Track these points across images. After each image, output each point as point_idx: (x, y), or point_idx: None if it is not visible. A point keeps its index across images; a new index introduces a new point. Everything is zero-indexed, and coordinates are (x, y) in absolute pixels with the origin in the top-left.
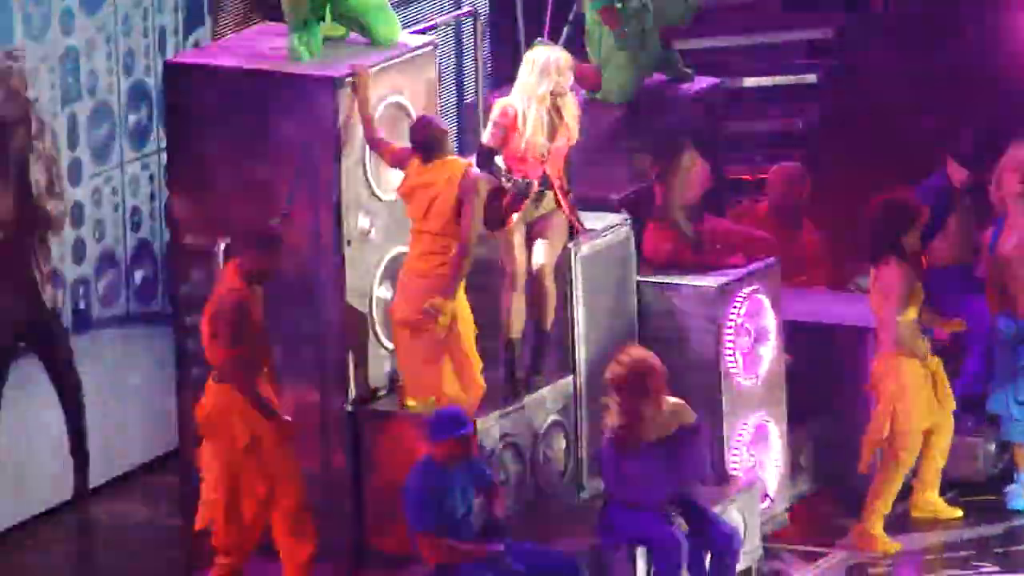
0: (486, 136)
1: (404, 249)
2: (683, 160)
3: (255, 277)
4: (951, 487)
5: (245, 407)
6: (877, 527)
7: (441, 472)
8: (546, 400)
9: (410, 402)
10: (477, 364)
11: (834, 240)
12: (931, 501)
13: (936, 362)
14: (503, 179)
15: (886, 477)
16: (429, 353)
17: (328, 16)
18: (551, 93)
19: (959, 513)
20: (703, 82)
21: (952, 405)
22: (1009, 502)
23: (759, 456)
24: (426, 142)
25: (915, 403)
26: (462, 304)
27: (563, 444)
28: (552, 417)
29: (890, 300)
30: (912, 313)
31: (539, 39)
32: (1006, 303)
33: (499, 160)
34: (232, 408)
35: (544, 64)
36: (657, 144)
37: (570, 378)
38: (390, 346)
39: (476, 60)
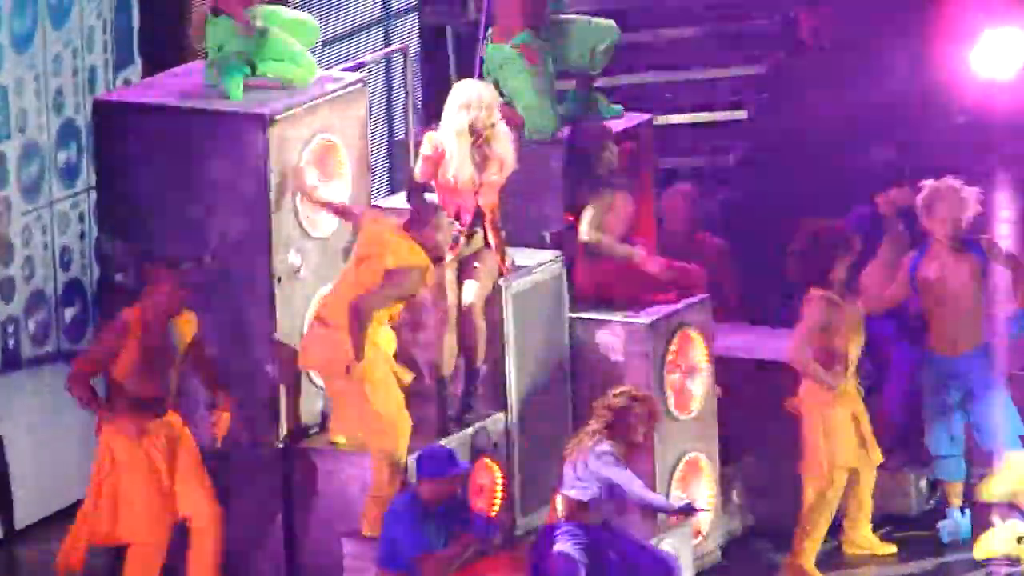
0: (416, 170)
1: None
2: (608, 198)
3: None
4: (884, 523)
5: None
6: (808, 562)
7: (424, 510)
8: (478, 436)
9: (339, 439)
10: (393, 406)
11: (762, 274)
12: (864, 537)
13: (859, 400)
14: (440, 221)
15: (813, 512)
16: (349, 395)
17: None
18: (475, 127)
19: (893, 549)
20: (633, 118)
21: (875, 448)
22: (943, 537)
23: (691, 492)
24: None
25: (839, 437)
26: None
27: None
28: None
29: (808, 331)
30: (851, 346)
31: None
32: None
33: (432, 196)
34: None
35: (466, 99)
36: (581, 184)
37: (502, 415)
38: (320, 383)
39: (407, 96)
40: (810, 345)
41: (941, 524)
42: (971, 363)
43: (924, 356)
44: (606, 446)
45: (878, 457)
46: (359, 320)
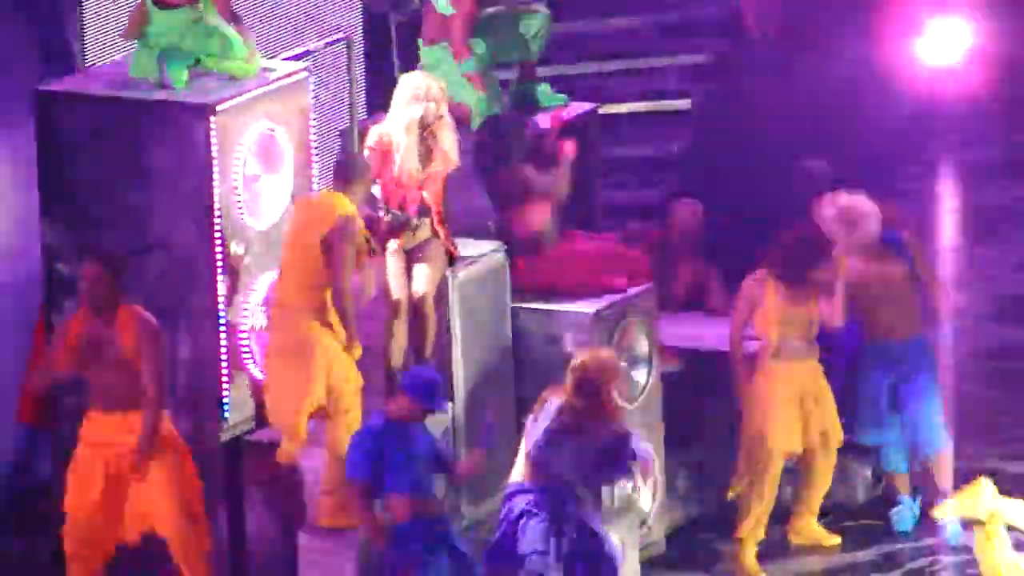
0: None
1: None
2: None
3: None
4: (828, 512)
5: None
6: (747, 553)
7: (389, 427)
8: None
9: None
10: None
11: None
12: (810, 527)
13: (810, 385)
14: (380, 209)
15: (751, 500)
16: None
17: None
18: (425, 120)
19: (838, 540)
20: (578, 108)
21: (838, 431)
22: (896, 525)
23: (636, 482)
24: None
25: (773, 418)
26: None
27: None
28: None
29: (763, 315)
30: (781, 331)
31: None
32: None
33: (376, 189)
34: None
35: (415, 91)
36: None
37: (447, 404)
38: (263, 374)
39: (351, 87)
40: (743, 321)
41: (893, 512)
42: (907, 350)
43: (861, 351)
44: (553, 403)
45: (837, 431)
46: (343, 305)
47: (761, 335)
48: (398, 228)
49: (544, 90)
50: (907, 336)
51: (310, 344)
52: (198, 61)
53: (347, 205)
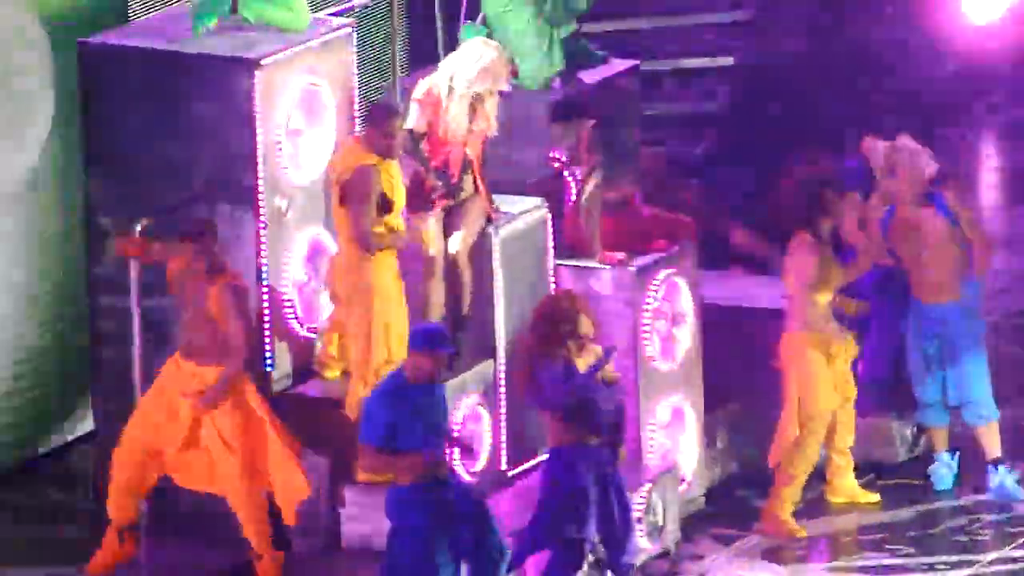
0: (411, 120)
1: (321, 230)
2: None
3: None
4: (869, 471)
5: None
6: (785, 512)
7: (404, 386)
8: (467, 383)
9: (330, 373)
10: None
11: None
12: (847, 486)
13: (845, 347)
14: (430, 175)
15: (792, 462)
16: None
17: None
18: (483, 92)
19: (876, 498)
20: (619, 65)
21: (853, 390)
22: (935, 483)
23: (676, 439)
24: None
25: (820, 387)
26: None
27: (484, 426)
28: (474, 399)
29: (800, 280)
30: (825, 296)
31: (469, 22)
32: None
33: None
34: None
35: (488, 64)
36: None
37: (490, 362)
38: (306, 327)
39: (393, 43)
40: (810, 296)
41: (931, 469)
42: (950, 313)
43: (910, 304)
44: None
45: (852, 390)
46: (366, 246)
47: (816, 298)
48: (445, 195)
49: (587, 48)
50: (948, 300)
51: (367, 289)
52: (235, 11)
53: (365, 156)
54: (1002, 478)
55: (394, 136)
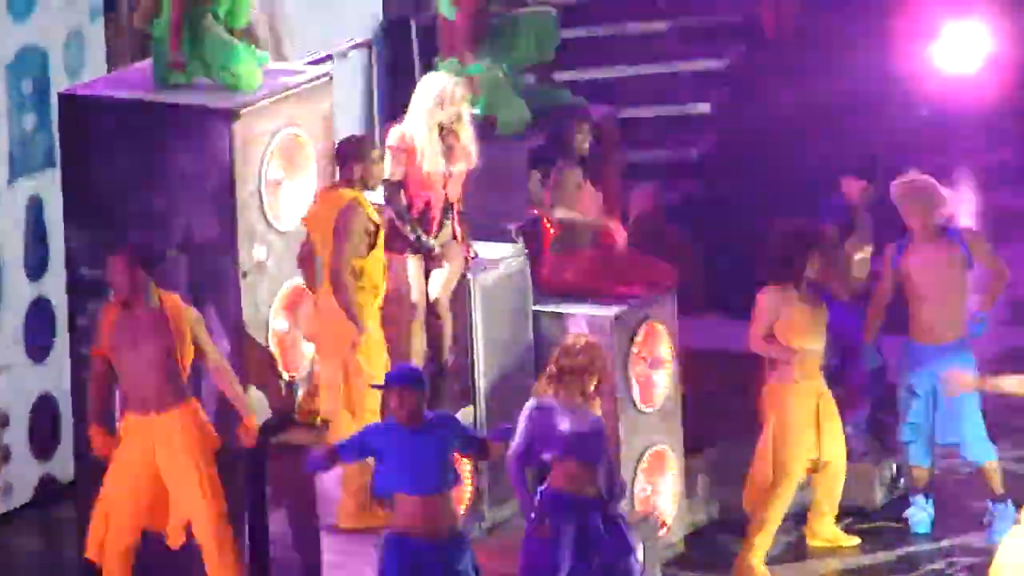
0: (388, 168)
1: (299, 280)
2: (574, 179)
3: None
4: (847, 514)
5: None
6: (756, 559)
7: (389, 427)
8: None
9: (313, 419)
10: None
11: (726, 266)
12: (828, 529)
13: (826, 394)
14: (408, 231)
15: (764, 509)
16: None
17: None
18: (445, 121)
19: (856, 541)
20: (597, 111)
21: (841, 436)
22: (913, 527)
23: (656, 484)
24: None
25: (797, 434)
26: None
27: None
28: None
29: (756, 328)
30: (807, 342)
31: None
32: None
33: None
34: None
35: (440, 93)
36: (546, 169)
37: (470, 408)
38: (286, 376)
39: (371, 90)
40: (764, 334)
41: (909, 513)
42: (949, 353)
43: (903, 345)
44: (532, 401)
45: (840, 436)
46: (339, 287)
47: (786, 343)
48: (422, 251)
49: (565, 95)
50: (951, 339)
51: (347, 336)
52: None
53: (347, 193)
54: (999, 515)
55: (372, 165)
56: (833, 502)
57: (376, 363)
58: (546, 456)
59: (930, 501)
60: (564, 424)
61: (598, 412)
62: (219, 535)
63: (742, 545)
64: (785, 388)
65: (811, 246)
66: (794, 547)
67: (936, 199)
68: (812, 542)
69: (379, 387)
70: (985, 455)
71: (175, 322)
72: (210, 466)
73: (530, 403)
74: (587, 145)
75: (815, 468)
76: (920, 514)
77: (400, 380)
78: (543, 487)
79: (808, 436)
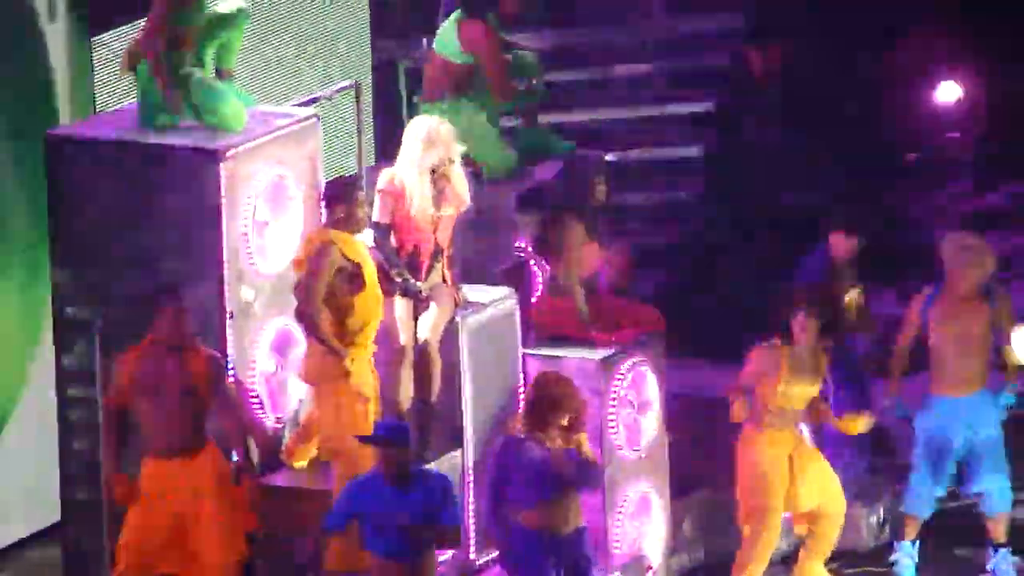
0: (376, 212)
1: (288, 321)
2: (574, 235)
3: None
4: (834, 558)
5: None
6: None
7: (376, 482)
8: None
9: (299, 463)
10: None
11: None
12: (814, 572)
13: (802, 446)
14: (395, 274)
15: (745, 554)
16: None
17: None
18: (436, 163)
19: None
20: (585, 155)
21: (837, 487)
22: (901, 572)
23: (642, 528)
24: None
25: (764, 482)
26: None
27: None
28: None
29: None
30: (787, 390)
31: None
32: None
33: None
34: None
35: (427, 135)
36: (546, 219)
37: (458, 452)
38: (273, 418)
39: (359, 132)
40: (746, 389)
41: (895, 559)
42: (976, 404)
43: (925, 400)
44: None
45: (836, 487)
46: (307, 321)
47: (762, 400)
48: (410, 294)
49: (553, 138)
50: (977, 390)
51: (341, 377)
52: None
53: (322, 235)
54: (1000, 560)
55: (359, 208)
56: (823, 546)
57: (368, 405)
58: (520, 495)
59: (915, 547)
60: (540, 462)
61: (584, 448)
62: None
63: None
64: (756, 435)
65: (798, 309)
66: None
67: (988, 263)
68: None
69: (364, 440)
70: (1004, 506)
71: (211, 372)
72: (232, 511)
73: (502, 440)
74: (604, 197)
75: (809, 519)
76: (906, 560)
77: (385, 437)
78: (517, 526)
79: (779, 485)
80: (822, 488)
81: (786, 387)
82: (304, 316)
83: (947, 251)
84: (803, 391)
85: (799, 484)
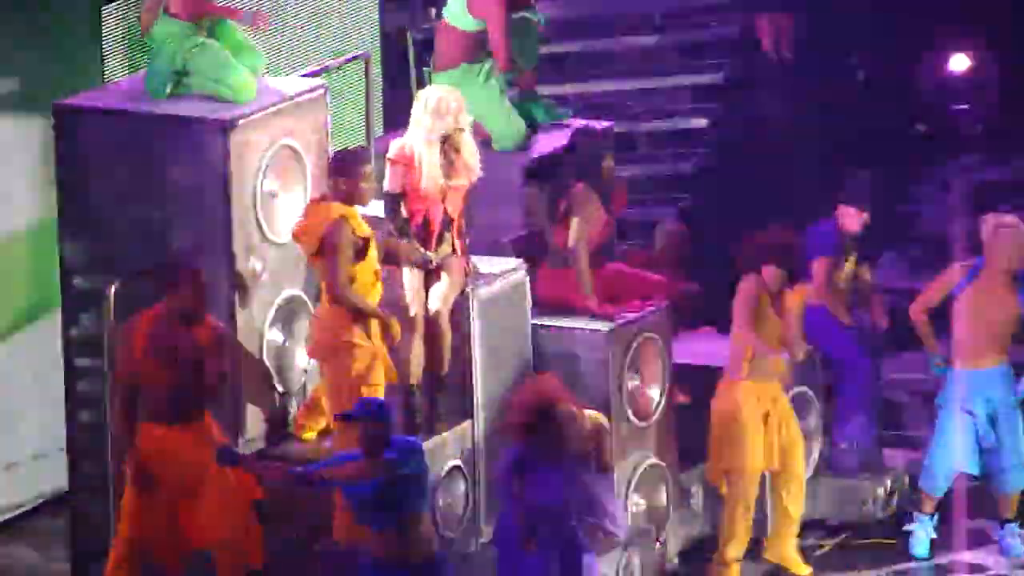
0: (387, 181)
1: (295, 292)
2: (582, 207)
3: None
4: (841, 530)
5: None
6: (730, 572)
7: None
8: (446, 445)
9: (308, 434)
10: None
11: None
12: (785, 549)
13: (782, 403)
14: (406, 244)
15: (727, 518)
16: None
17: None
18: (445, 133)
19: (808, 571)
20: (594, 125)
21: (800, 451)
22: (913, 548)
23: (650, 498)
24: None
25: (747, 438)
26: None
27: (462, 488)
28: (451, 462)
29: (739, 317)
30: (768, 339)
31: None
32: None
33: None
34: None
35: (437, 105)
36: (555, 188)
37: (468, 422)
38: (282, 389)
39: (368, 103)
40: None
41: (912, 530)
42: (996, 377)
43: (946, 374)
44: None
45: (799, 450)
46: (342, 300)
47: (737, 344)
48: (421, 264)
49: (547, 106)
50: (998, 363)
51: (348, 346)
52: (180, 81)
53: (334, 208)
54: (1009, 534)
55: (364, 182)
56: (790, 519)
57: (376, 373)
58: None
59: (934, 521)
60: (545, 479)
61: (590, 422)
62: (237, 544)
63: (715, 559)
64: (734, 385)
65: (774, 253)
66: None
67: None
68: (767, 556)
69: (342, 419)
70: (1020, 483)
71: (219, 343)
72: (232, 483)
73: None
74: (612, 169)
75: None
76: (921, 534)
77: (361, 414)
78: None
79: (756, 439)
80: (793, 452)
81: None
82: (339, 299)
83: (986, 231)
84: (772, 332)
85: (776, 443)
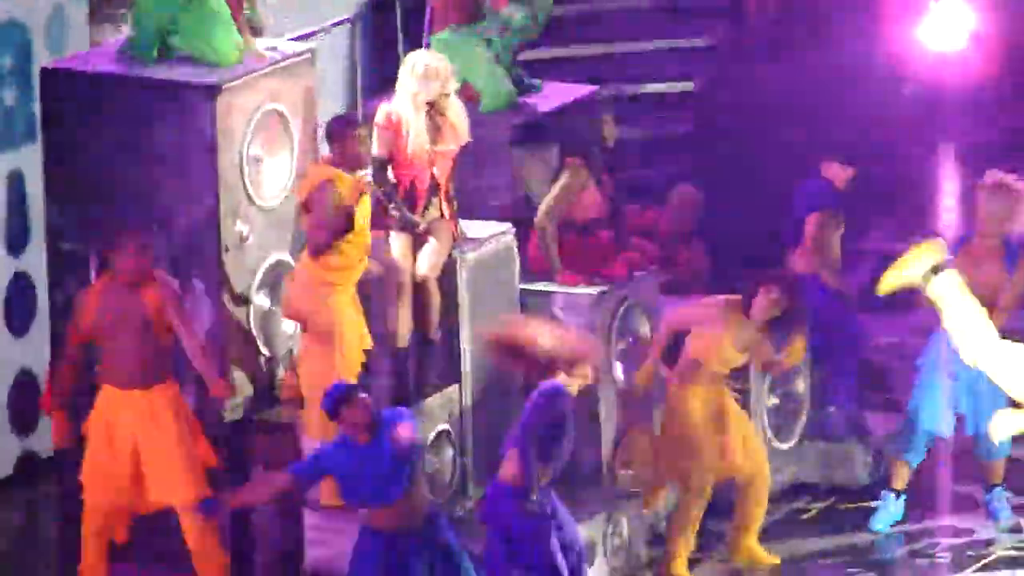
0: (375, 147)
1: (282, 256)
2: (582, 178)
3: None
4: (829, 494)
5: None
6: (678, 565)
7: (342, 446)
8: (434, 409)
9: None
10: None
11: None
12: (746, 545)
13: (731, 406)
14: (393, 209)
15: (678, 512)
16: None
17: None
18: (431, 97)
19: (776, 560)
20: (582, 90)
21: (758, 450)
22: (873, 521)
23: (637, 463)
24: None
25: (697, 435)
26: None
27: (450, 453)
28: (439, 426)
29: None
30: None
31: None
32: None
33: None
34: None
35: (422, 69)
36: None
37: (456, 387)
38: (267, 353)
39: (354, 67)
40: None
41: (879, 507)
42: None
43: (932, 337)
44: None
45: (762, 452)
46: (319, 255)
47: (696, 356)
48: (409, 229)
49: (516, 77)
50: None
51: (326, 310)
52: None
53: (323, 172)
54: (996, 499)
55: (358, 145)
56: (752, 517)
57: (352, 338)
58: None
59: (900, 501)
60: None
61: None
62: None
63: (663, 555)
64: (684, 390)
65: (770, 287)
66: (781, 524)
67: (1017, 208)
68: (734, 558)
69: (324, 408)
70: (1004, 451)
71: (164, 301)
72: (192, 446)
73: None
74: (613, 136)
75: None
76: (884, 514)
77: (336, 398)
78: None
79: (709, 442)
80: (750, 451)
81: (719, 352)
82: (315, 250)
83: (984, 192)
84: (731, 360)
85: (728, 444)
